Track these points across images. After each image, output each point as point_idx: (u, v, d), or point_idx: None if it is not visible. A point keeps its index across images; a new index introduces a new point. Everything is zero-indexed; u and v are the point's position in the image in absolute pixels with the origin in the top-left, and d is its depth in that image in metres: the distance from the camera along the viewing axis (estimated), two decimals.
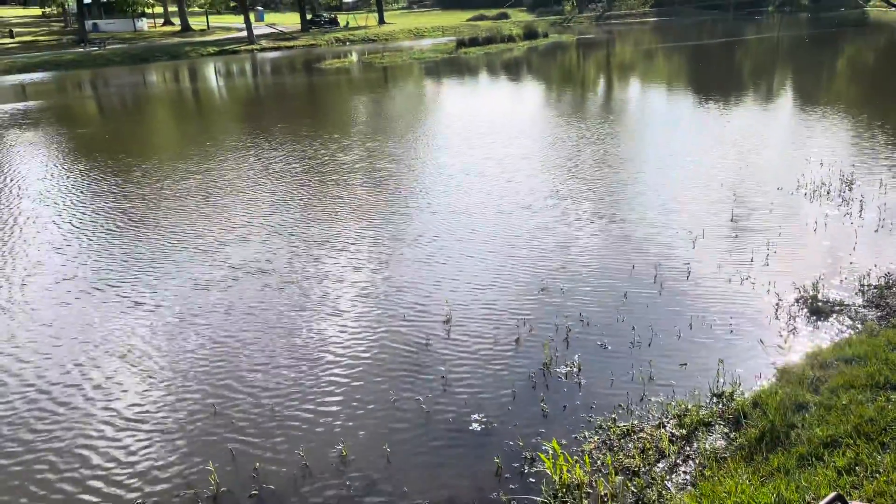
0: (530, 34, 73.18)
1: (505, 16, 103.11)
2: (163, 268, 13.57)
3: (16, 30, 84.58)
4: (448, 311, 10.98)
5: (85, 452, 8.17)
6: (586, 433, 7.97)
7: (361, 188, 18.95)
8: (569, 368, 9.25)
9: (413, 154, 22.94)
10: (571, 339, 9.97)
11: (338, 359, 9.90)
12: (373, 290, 12.08)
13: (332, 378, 9.43)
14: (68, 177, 21.94)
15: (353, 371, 9.57)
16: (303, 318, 11.20)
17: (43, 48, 75.34)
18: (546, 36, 74.53)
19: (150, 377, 9.66)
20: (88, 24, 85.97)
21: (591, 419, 8.21)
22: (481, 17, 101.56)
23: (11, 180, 21.65)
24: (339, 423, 8.47)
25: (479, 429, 8.21)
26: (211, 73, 60.67)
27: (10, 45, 75.27)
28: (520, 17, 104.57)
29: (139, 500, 7.32)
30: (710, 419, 7.88)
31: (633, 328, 10.13)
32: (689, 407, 8.13)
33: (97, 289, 12.70)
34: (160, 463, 7.93)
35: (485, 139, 24.22)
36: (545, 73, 51.96)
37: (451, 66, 54.75)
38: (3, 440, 8.46)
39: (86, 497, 7.47)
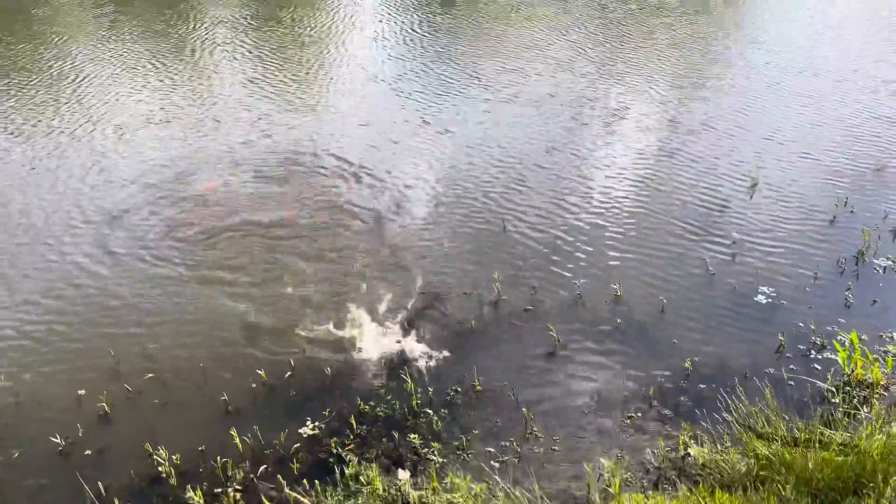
0: None
1: None
2: None
3: None
4: (755, 176, 10.09)
5: None
6: (895, 335, 7.08)
7: None
8: (890, 263, 8.12)
9: None
10: None
11: (629, 201, 9.79)
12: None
13: (620, 219, 9.36)
14: None
15: (641, 215, 9.41)
16: None
17: None
18: None
19: None
20: None
21: None
22: None
23: None
24: (619, 265, 8.47)
25: (765, 302, 7.71)
26: None
27: None
28: None
29: None
30: None
31: None
32: None
33: None
34: None
35: None
36: None
37: None
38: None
39: None
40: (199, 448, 5.77)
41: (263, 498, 5.23)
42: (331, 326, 7.37)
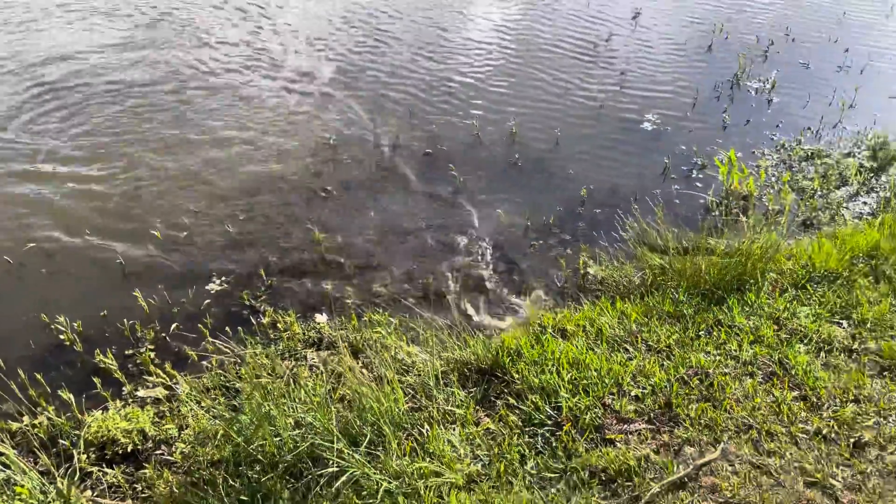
0: None
1: None
2: None
3: None
4: (637, 6, 10.18)
5: None
6: (766, 150, 7.64)
7: None
8: (761, 84, 8.60)
9: None
10: (772, 53, 9.11)
11: (512, 47, 9.68)
12: None
13: (507, 65, 9.31)
14: None
15: (527, 59, 9.37)
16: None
17: None
18: None
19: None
20: None
21: (773, 138, 7.81)
22: None
23: None
24: (511, 107, 8.51)
25: (650, 129, 8.04)
26: None
27: None
28: None
29: None
30: None
31: (847, 50, 9.05)
32: (890, 140, 7.48)
33: None
34: None
35: None
36: None
37: None
38: None
39: None
40: (101, 314, 5.48)
41: (186, 348, 5.11)
42: (224, 184, 7.03)
